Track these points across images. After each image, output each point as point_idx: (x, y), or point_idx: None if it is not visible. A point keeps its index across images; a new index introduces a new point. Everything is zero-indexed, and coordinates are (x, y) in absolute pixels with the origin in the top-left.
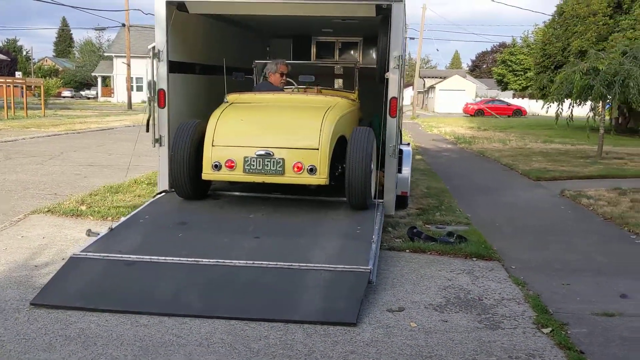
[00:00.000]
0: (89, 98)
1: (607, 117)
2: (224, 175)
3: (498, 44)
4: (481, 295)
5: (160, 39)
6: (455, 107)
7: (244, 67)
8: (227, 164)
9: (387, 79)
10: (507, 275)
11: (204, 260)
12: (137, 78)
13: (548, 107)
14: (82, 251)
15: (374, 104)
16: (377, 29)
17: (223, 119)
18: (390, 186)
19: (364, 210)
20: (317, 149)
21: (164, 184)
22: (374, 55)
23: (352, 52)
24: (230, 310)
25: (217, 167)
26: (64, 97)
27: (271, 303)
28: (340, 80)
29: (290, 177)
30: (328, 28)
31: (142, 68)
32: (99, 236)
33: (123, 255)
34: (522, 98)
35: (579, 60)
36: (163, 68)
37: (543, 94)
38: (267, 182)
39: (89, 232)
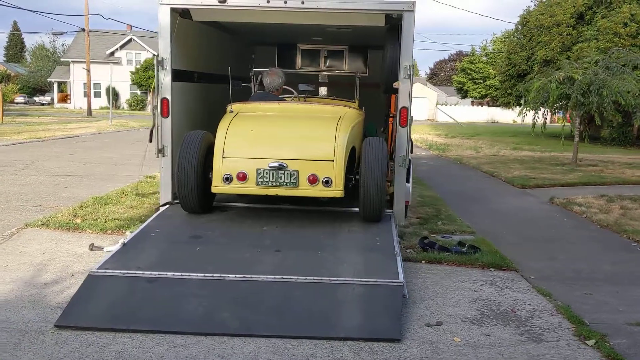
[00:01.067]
0: (43, 104)
1: (567, 124)
2: (235, 188)
3: (455, 52)
4: (513, 307)
5: (164, 47)
6: (418, 114)
7: (236, 75)
8: (238, 177)
9: (397, 89)
10: (529, 285)
11: (229, 275)
12: (94, 84)
13: (524, 116)
14: (99, 268)
15: (366, 113)
16: (382, 39)
17: (232, 129)
18: (400, 196)
19: (377, 222)
20: (333, 161)
21: (166, 195)
22: (361, 64)
23: (337, 60)
24: (268, 328)
25: (227, 179)
26: (17, 103)
27: (308, 319)
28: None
29: (304, 190)
30: (318, 36)
31: (101, 74)
32: (112, 252)
33: (144, 272)
34: (481, 105)
35: (551, 69)
36: (167, 76)
37: (508, 102)
38: (281, 195)
39: (92, 247)
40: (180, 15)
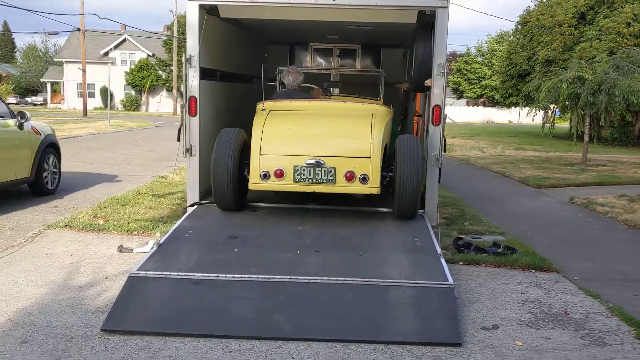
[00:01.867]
0: (35, 105)
1: (567, 125)
2: (273, 185)
3: (450, 52)
4: (565, 309)
5: (192, 44)
6: None
7: (253, 74)
8: (276, 173)
9: (427, 87)
10: (575, 287)
11: (275, 277)
12: (88, 84)
13: (534, 116)
14: (139, 270)
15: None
16: (411, 36)
17: (269, 127)
18: (432, 196)
19: (410, 220)
20: (369, 157)
21: (194, 196)
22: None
23: (350, 59)
24: (324, 332)
25: (265, 176)
26: (9, 103)
27: (362, 322)
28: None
29: (341, 187)
30: (334, 34)
31: (95, 74)
32: (143, 253)
33: (187, 274)
34: (477, 106)
35: (560, 69)
36: (195, 74)
37: (509, 102)
38: (317, 192)
39: (121, 249)
40: (207, 12)
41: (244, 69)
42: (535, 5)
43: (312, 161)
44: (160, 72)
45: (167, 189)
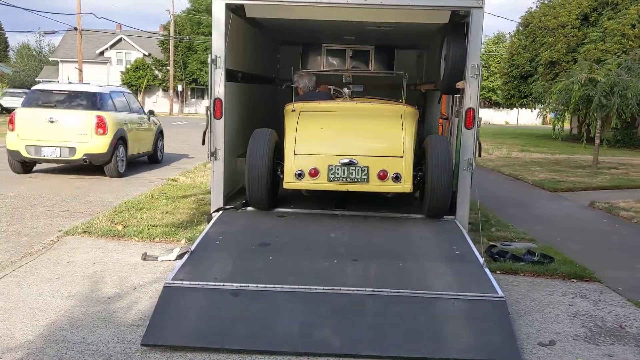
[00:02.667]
0: None
1: (567, 126)
2: (307, 183)
3: None
4: (619, 323)
5: (218, 45)
6: None
7: (267, 75)
8: (310, 173)
9: (460, 89)
10: (622, 298)
11: (317, 288)
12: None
13: (544, 116)
14: (173, 279)
15: None
16: (430, 37)
17: (302, 127)
18: (463, 202)
19: (444, 227)
20: (402, 157)
21: (218, 201)
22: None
23: (362, 60)
24: (375, 347)
25: (300, 175)
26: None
27: (414, 337)
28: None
29: (374, 185)
30: (351, 35)
31: (91, 74)
32: (169, 260)
33: (224, 284)
34: None
35: (573, 70)
36: (220, 75)
37: (510, 103)
38: (351, 191)
39: (145, 257)
40: (233, 11)
41: (259, 70)
42: (537, 6)
43: (346, 160)
44: (156, 72)
45: (180, 192)
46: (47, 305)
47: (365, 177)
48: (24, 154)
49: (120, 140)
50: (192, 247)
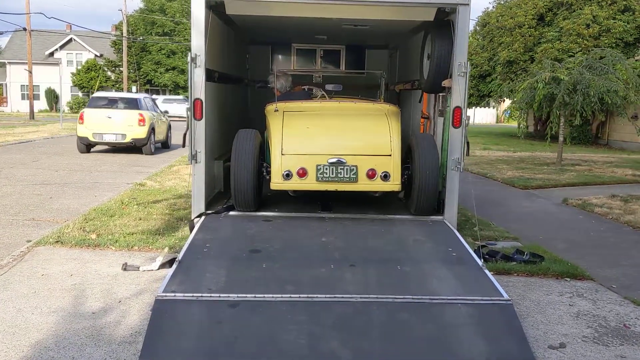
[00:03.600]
0: None
1: (524, 124)
2: (295, 184)
3: None
4: (623, 322)
5: (198, 43)
6: None
7: (239, 75)
8: (298, 173)
9: (445, 88)
10: (619, 296)
11: (319, 296)
12: (33, 86)
13: (506, 115)
14: (165, 292)
15: None
16: (421, 35)
17: (288, 127)
18: (452, 202)
19: (435, 228)
20: (390, 155)
21: (199, 206)
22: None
23: (333, 60)
24: (386, 358)
25: (288, 176)
26: None
27: (425, 346)
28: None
29: (363, 185)
30: (323, 35)
31: (40, 75)
32: (169, 272)
33: (220, 295)
34: None
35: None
36: (200, 75)
37: (469, 102)
38: (340, 190)
39: (126, 267)
40: (212, 9)
41: (232, 70)
42: (493, 6)
43: (334, 160)
44: (109, 73)
45: (150, 197)
46: (28, 323)
47: (354, 176)
48: (91, 138)
49: (152, 130)
50: (180, 256)
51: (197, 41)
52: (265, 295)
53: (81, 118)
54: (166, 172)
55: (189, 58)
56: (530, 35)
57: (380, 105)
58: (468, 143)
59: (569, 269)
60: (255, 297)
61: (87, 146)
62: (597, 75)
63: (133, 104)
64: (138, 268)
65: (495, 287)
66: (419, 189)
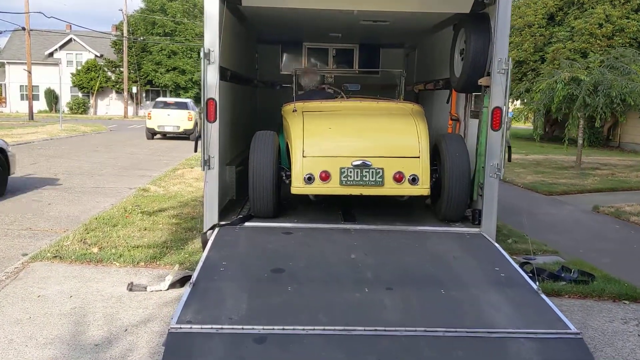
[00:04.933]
0: None
1: (540, 127)
2: (318, 188)
3: None
4: None
5: (211, 38)
6: None
7: (248, 75)
8: (321, 176)
9: (485, 87)
10: None
11: (357, 328)
12: (33, 86)
13: (525, 116)
14: (179, 323)
15: None
16: (456, 29)
17: (309, 128)
18: (490, 212)
19: (475, 243)
20: (418, 157)
21: (212, 217)
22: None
23: (346, 59)
24: None
25: (309, 179)
26: None
27: None
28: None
29: (390, 189)
30: (337, 33)
31: (40, 76)
32: (182, 297)
33: (244, 327)
34: None
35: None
36: (213, 73)
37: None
38: (365, 195)
39: (132, 287)
40: (226, 2)
41: (242, 70)
42: None
43: (359, 162)
44: (109, 74)
45: (155, 205)
46: (21, 357)
47: (380, 179)
48: (157, 129)
49: (196, 124)
50: (194, 277)
51: (210, 35)
52: (296, 328)
53: (149, 116)
54: (170, 176)
55: (201, 54)
56: (540, 35)
57: (403, 105)
58: (510, 147)
59: (627, 290)
60: (284, 329)
61: (152, 134)
62: (619, 76)
63: (183, 106)
64: (145, 288)
65: (558, 316)
66: (449, 193)
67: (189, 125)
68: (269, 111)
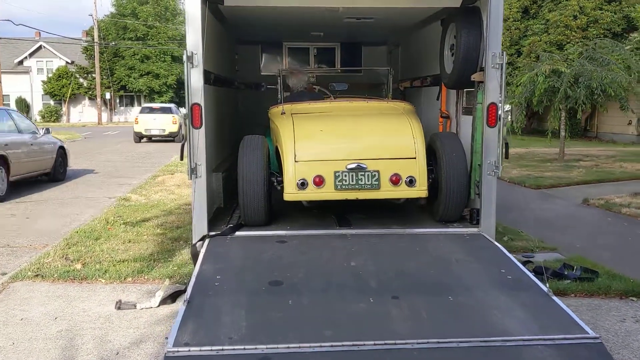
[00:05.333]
0: None
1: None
2: (311, 193)
3: None
4: None
5: (194, 40)
6: None
7: (228, 76)
8: (315, 181)
9: (479, 83)
10: None
11: (367, 343)
12: (3, 96)
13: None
14: (175, 345)
15: None
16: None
17: (300, 130)
18: (489, 211)
19: (476, 243)
20: (415, 158)
21: (202, 227)
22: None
23: (327, 58)
24: None
25: (303, 185)
26: None
27: None
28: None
29: (386, 192)
30: (318, 32)
31: (9, 85)
32: (178, 316)
33: (246, 347)
34: None
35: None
36: (198, 76)
37: None
38: (361, 199)
39: (120, 305)
40: (207, 3)
41: (224, 72)
42: None
43: (354, 165)
44: (81, 80)
45: (137, 215)
46: None
47: (376, 182)
48: (143, 132)
49: (180, 127)
50: (187, 293)
51: (193, 38)
52: (302, 345)
53: (136, 120)
54: (151, 184)
55: (184, 57)
56: (515, 29)
57: (395, 104)
58: (507, 144)
59: (633, 286)
60: (288, 348)
61: (139, 138)
62: (598, 67)
63: (168, 110)
64: (134, 306)
65: (574, 320)
66: (447, 193)
67: (174, 128)
68: (250, 114)
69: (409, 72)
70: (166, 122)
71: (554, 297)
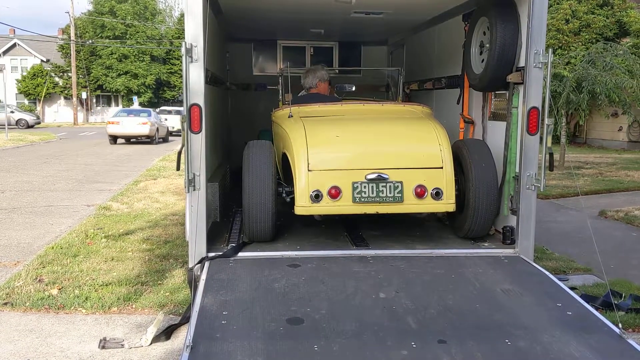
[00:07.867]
0: None
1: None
2: (326, 207)
3: None
4: None
5: (193, 31)
6: None
7: (222, 76)
8: (330, 193)
9: (514, 84)
10: None
11: None
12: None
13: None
14: None
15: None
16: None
17: (312, 136)
18: (528, 229)
19: (519, 269)
20: (442, 168)
21: (200, 248)
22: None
23: (326, 57)
24: None
25: (317, 197)
26: None
27: None
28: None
29: (410, 205)
30: (319, 28)
31: None
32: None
33: None
34: None
35: None
36: (198, 72)
37: None
38: (381, 213)
39: (104, 344)
40: None
41: (219, 71)
42: None
43: (374, 175)
44: (57, 79)
45: (120, 226)
46: None
47: (399, 195)
48: (118, 134)
49: (156, 130)
50: (190, 337)
51: (193, 27)
52: None
53: (110, 122)
54: (132, 190)
55: (182, 50)
56: None
57: (412, 107)
58: (552, 154)
59: None
60: None
61: (114, 140)
62: (602, 71)
63: (143, 113)
64: (122, 344)
65: None
66: (475, 208)
67: (150, 131)
68: (242, 116)
69: (417, 73)
70: (143, 124)
71: (631, 341)
